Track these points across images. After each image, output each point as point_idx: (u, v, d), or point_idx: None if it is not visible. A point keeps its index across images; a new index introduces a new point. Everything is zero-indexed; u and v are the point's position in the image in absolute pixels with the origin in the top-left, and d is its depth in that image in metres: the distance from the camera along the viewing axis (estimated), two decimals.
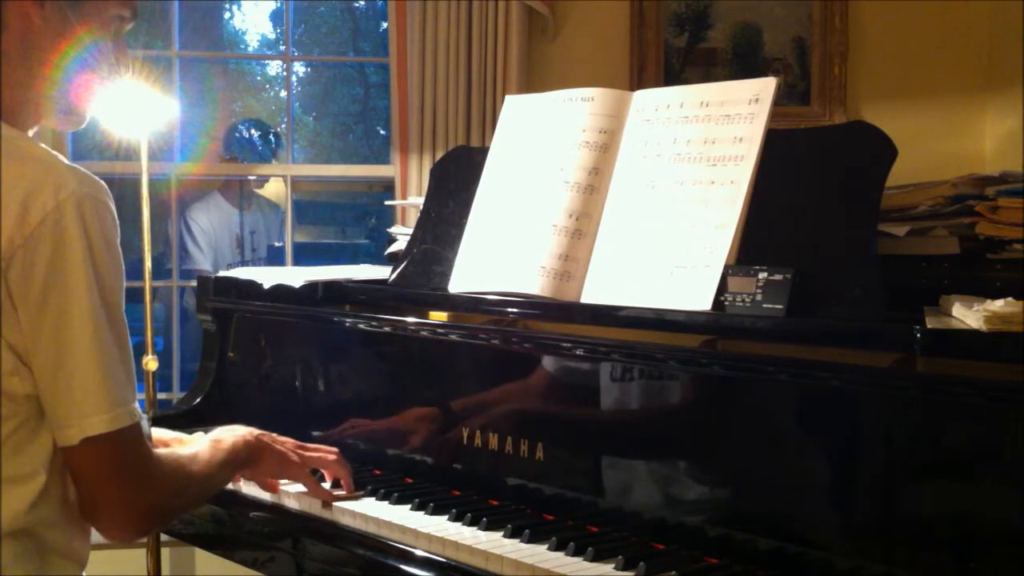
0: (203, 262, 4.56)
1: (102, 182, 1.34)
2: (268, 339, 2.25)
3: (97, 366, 1.29)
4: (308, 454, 1.79)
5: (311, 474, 1.78)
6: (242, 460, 1.67)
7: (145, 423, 1.37)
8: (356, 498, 1.77)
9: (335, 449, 1.83)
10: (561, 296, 1.81)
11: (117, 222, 1.36)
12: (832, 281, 1.55)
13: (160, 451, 1.45)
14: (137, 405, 1.35)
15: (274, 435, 1.77)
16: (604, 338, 1.66)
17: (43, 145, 1.35)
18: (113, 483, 1.33)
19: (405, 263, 2.15)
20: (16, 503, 1.29)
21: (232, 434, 1.67)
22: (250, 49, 8.48)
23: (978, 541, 1.25)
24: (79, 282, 1.28)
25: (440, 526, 1.61)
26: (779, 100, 1.75)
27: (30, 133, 1.41)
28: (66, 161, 1.34)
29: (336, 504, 1.74)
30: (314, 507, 1.77)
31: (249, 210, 4.91)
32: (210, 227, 4.66)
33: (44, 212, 1.26)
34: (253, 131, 5.21)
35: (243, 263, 4.78)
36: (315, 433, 2.04)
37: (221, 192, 4.76)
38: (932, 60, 4.13)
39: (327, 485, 1.81)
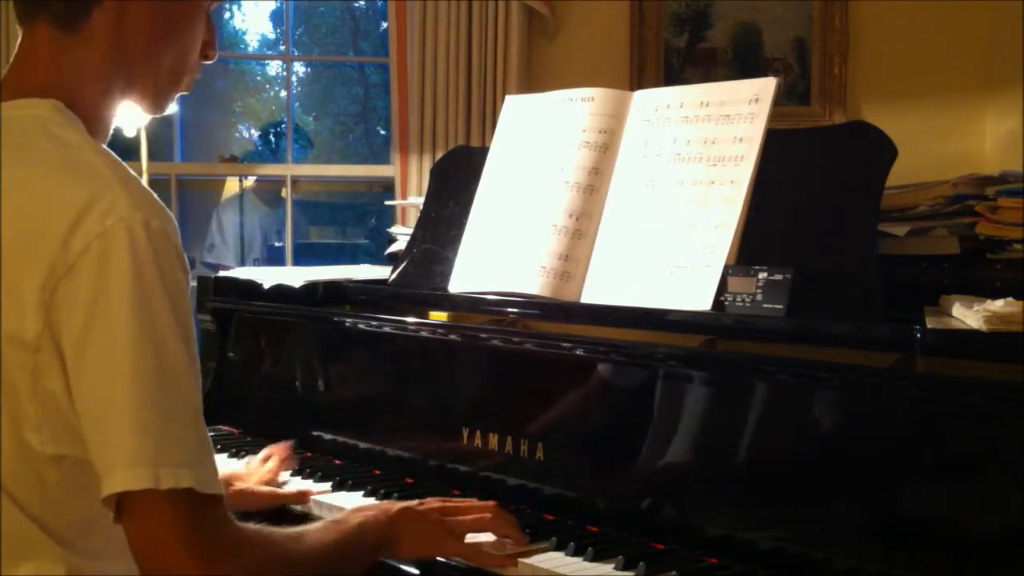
0: (227, 256, 4.75)
1: (163, 206, 1.14)
2: (268, 339, 2.25)
3: (132, 422, 1.08)
4: (461, 519, 1.49)
5: (464, 543, 1.48)
6: (372, 541, 1.40)
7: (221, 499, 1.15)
8: (531, 552, 1.47)
9: (490, 503, 1.54)
10: (561, 296, 1.81)
11: (182, 255, 1.15)
12: (832, 281, 1.55)
13: (246, 526, 1.20)
14: (195, 471, 1.10)
15: (412, 505, 1.48)
16: (604, 338, 1.66)
17: (108, 152, 1.19)
18: (158, 553, 1.10)
19: (405, 263, 2.15)
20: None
21: (361, 513, 1.42)
22: (250, 49, 8.46)
23: (978, 541, 1.25)
24: (121, 325, 1.07)
25: None
26: (779, 100, 1.75)
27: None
28: (129, 174, 1.15)
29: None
30: None
31: (276, 208, 5.06)
32: (239, 223, 4.90)
33: (88, 240, 1.08)
34: (261, 132, 5.48)
35: (267, 260, 4.92)
36: (314, 433, 2.04)
37: (254, 192, 5.02)
38: (932, 60, 4.13)
39: (486, 537, 1.50)
